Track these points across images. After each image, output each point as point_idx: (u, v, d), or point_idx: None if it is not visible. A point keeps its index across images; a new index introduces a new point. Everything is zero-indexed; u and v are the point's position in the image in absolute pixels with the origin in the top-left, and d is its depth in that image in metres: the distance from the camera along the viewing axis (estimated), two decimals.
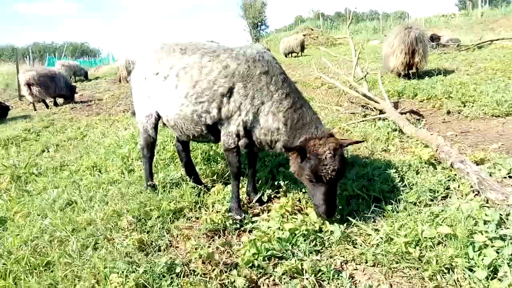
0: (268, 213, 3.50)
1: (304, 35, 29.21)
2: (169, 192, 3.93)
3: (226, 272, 2.61)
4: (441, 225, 2.78)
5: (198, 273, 2.60)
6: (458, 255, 2.47)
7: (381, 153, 4.76)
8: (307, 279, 2.48)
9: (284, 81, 3.29)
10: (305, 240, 2.88)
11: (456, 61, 12.37)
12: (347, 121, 6.49)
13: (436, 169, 3.98)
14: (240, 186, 3.68)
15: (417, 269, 2.50)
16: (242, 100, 3.24)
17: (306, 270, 2.54)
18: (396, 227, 2.86)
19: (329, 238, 2.93)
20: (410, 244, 2.64)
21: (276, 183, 4.00)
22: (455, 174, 3.73)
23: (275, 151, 3.45)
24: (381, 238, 2.81)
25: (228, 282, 2.53)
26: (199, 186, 4.03)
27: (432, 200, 3.37)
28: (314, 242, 2.89)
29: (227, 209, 3.50)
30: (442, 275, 2.40)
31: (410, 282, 2.45)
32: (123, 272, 2.57)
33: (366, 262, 2.67)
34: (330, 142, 2.98)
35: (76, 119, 10.53)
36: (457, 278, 2.37)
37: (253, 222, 3.33)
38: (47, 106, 13.32)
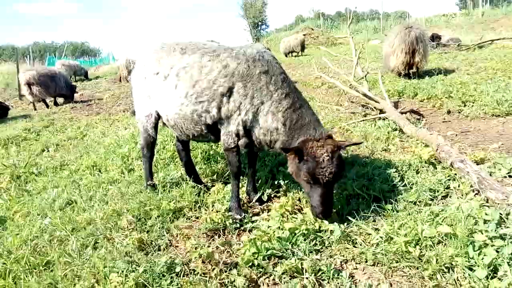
0: (268, 212, 3.50)
1: (304, 34, 29.21)
2: (169, 191, 3.93)
3: (226, 271, 2.61)
4: (441, 224, 2.78)
5: (198, 273, 2.60)
6: (458, 254, 2.47)
7: (381, 153, 4.76)
8: (307, 278, 2.48)
9: (284, 81, 3.28)
10: (305, 240, 2.88)
11: (456, 61, 12.36)
12: (347, 121, 6.48)
13: (436, 168, 3.98)
14: (240, 185, 3.68)
15: (417, 268, 2.50)
16: (242, 99, 3.24)
17: (306, 270, 2.54)
18: (396, 226, 2.85)
19: (329, 237, 2.93)
20: (410, 244, 2.63)
21: (276, 182, 4.00)
22: (455, 174, 3.72)
23: (274, 151, 3.45)
24: (381, 237, 2.81)
25: (228, 282, 2.53)
26: (199, 186, 4.03)
27: (432, 200, 3.37)
28: (314, 241, 2.89)
29: (227, 208, 3.50)
30: (442, 275, 2.40)
31: (410, 281, 2.44)
32: (123, 271, 2.56)
33: (366, 262, 2.67)
34: (328, 144, 2.97)
35: (76, 118, 10.53)
36: (457, 277, 2.36)
37: (253, 222, 3.33)
38: (47, 106, 13.32)
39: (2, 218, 3.88)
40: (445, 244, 2.63)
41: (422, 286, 2.39)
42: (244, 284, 2.46)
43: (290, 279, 2.53)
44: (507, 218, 2.78)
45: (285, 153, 3.19)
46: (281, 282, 2.53)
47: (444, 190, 3.50)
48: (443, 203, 3.32)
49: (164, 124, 3.95)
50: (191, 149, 4.69)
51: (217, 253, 2.86)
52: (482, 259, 2.37)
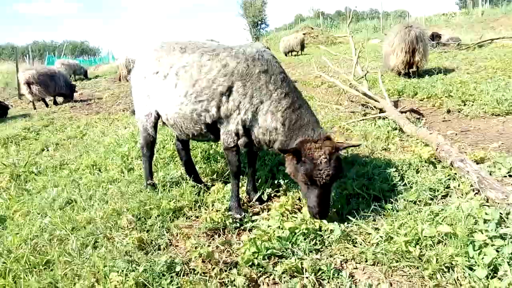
0: (268, 212, 3.50)
1: (304, 34, 29.17)
2: (169, 191, 3.93)
3: (226, 271, 2.61)
4: (441, 224, 2.78)
5: (198, 272, 2.60)
6: (458, 254, 2.47)
7: (381, 152, 4.76)
8: (307, 278, 2.48)
9: (284, 81, 3.28)
10: (305, 239, 2.88)
11: (456, 60, 12.36)
12: (347, 120, 6.48)
13: (436, 168, 3.98)
14: (240, 185, 3.68)
15: (417, 268, 2.50)
16: (241, 99, 3.24)
17: (306, 269, 2.54)
18: (396, 226, 2.85)
19: (329, 237, 2.93)
20: (410, 243, 2.63)
21: (276, 182, 4.00)
22: (455, 173, 3.72)
23: (274, 151, 3.45)
24: (381, 237, 2.81)
25: (228, 281, 2.53)
26: (199, 185, 4.03)
27: (432, 199, 3.37)
28: (314, 241, 2.89)
29: (227, 208, 3.50)
30: (442, 274, 2.40)
31: (410, 281, 2.44)
32: (123, 271, 2.56)
33: (366, 261, 2.66)
34: (326, 146, 2.97)
35: (76, 118, 10.52)
36: (457, 277, 2.36)
37: (253, 221, 3.33)
38: (47, 105, 13.31)
39: (2, 217, 3.87)
40: (445, 243, 2.63)
41: (422, 285, 2.39)
42: (244, 283, 2.46)
43: (290, 278, 2.53)
44: (507, 218, 2.78)
45: (283, 154, 3.19)
46: (281, 281, 2.53)
47: (444, 190, 3.50)
48: (443, 202, 3.32)
49: (164, 123, 3.95)
50: (191, 148, 4.69)
51: (217, 252, 2.86)
52: (482, 258, 2.37)
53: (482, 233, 2.54)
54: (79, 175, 4.94)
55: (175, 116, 3.60)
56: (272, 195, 3.88)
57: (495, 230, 2.57)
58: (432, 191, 3.45)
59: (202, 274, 2.59)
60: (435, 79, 9.04)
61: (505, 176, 3.70)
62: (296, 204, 3.50)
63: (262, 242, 2.77)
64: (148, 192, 3.86)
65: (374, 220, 3.11)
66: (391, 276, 2.52)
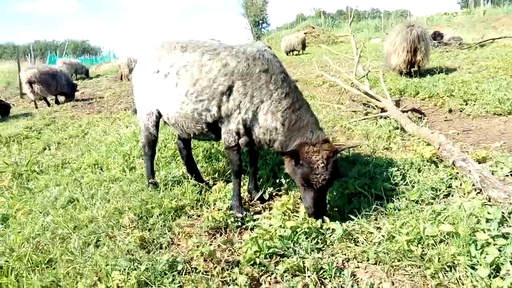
0: (269, 211, 3.49)
1: (305, 33, 29.15)
2: (170, 189, 3.93)
3: (227, 269, 2.61)
4: (443, 223, 2.77)
5: (200, 271, 2.60)
6: (460, 253, 2.46)
7: (383, 151, 4.75)
8: (308, 277, 2.48)
9: (284, 80, 3.27)
10: (306, 238, 2.88)
11: (458, 60, 12.34)
12: (348, 119, 6.48)
13: (438, 167, 3.97)
14: (242, 184, 3.68)
15: (419, 267, 2.49)
16: (242, 98, 3.24)
17: (307, 268, 2.54)
18: (398, 225, 2.85)
19: (330, 236, 2.93)
20: (412, 242, 2.63)
21: (277, 181, 4.00)
22: (457, 173, 3.72)
23: (275, 150, 3.45)
24: (383, 236, 2.80)
25: (229, 280, 2.53)
26: (201, 184, 4.03)
27: (434, 198, 3.36)
28: (315, 240, 2.89)
29: (228, 207, 3.50)
30: (444, 273, 2.40)
31: (412, 280, 2.44)
32: (124, 269, 2.57)
33: (368, 260, 2.66)
34: (324, 150, 2.98)
35: (78, 117, 10.54)
36: (459, 276, 2.36)
37: (254, 220, 3.33)
38: (49, 104, 13.34)
39: (5, 216, 3.88)
40: (447, 243, 2.63)
41: (424, 285, 2.39)
42: (246, 282, 2.46)
43: (292, 277, 2.53)
44: (509, 217, 2.77)
45: (282, 156, 3.21)
46: (282, 280, 2.53)
47: (446, 189, 3.49)
48: (445, 202, 3.32)
49: (165, 122, 3.95)
50: (193, 147, 4.69)
51: (219, 251, 2.86)
52: (485, 258, 2.36)
53: (484, 233, 2.54)
54: (81, 174, 4.95)
55: (176, 115, 3.60)
56: (274, 194, 3.88)
57: (497, 229, 2.56)
58: (434, 191, 3.45)
59: (204, 273, 2.59)
60: (437, 79, 9.02)
61: (507, 176, 3.69)
62: (298, 203, 3.50)
63: (264, 241, 2.78)
64: (150, 191, 3.87)
65: (376, 219, 3.12)
66: (393, 275, 2.52)
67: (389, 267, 2.55)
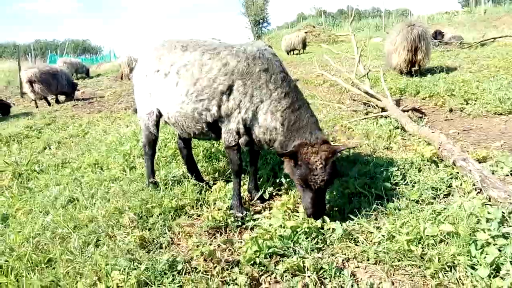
0: (269, 210, 3.49)
1: (306, 32, 29.09)
2: (170, 189, 3.93)
3: (227, 269, 2.61)
4: (443, 223, 2.77)
5: (200, 271, 2.60)
6: (460, 253, 2.46)
7: (383, 151, 4.75)
8: (308, 276, 2.48)
9: (284, 80, 3.27)
10: (306, 238, 2.88)
11: (458, 59, 12.32)
12: (349, 119, 6.47)
13: (438, 167, 3.97)
14: (242, 183, 3.68)
15: (419, 267, 2.49)
16: (242, 97, 3.23)
17: (307, 268, 2.54)
18: (398, 225, 2.85)
19: (330, 235, 2.93)
20: (412, 242, 2.63)
21: (277, 180, 4.00)
22: (458, 172, 3.71)
23: (275, 150, 3.44)
24: (383, 236, 2.80)
25: (229, 280, 2.53)
26: (201, 184, 4.03)
27: (434, 198, 3.36)
28: (315, 239, 2.89)
29: (228, 206, 3.50)
30: (444, 273, 2.39)
31: (412, 280, 2.44)
32: (124, 269, 2.57)
33: (368, 260, 2.66)
34: (322, 151, 2.97)
35: (78, 116, 10.54)
36: (459, 276, 2.36)
37: (254, 220, 3.33)
38: (49, 104, 13.35)
39: (5, 216, 3.89)
40: (447, 242, 2.62)
41: (424, 284, 2.39)
42: (246, 282, 2.46)
43: (292, 277, 2.53)
44: (509, 217, 2.77)
45: (280, 157, 3.21)
46: (282, 280, 2.53)
47: (446, 189, 3.49)
48: (445, 201, 3.32)
49: (165, 122, 3.95)
50: (193, 147, 4.69)
51: (219, 251, 2.86)
52: (485, 258, 2.36)
53: (485, 232, 2.53)
54: (81, 173, 4.95)
55: (176, 114, 3.60)
56: (274, 193, 3.88)
57: (498, 229, 2.56)
58: (434, 190, 3.45)
59: (204, 273, 2.59)
60: (437, 78, 9.01)
61: (507, 175, 3.68)
62: (298, 203, 3.49)
63: (264, 241, 2.78)
64: (150, 191, 3.87)
65: (376, 219, 3.11)
66: (393, 275, 2.51)
67: (389, 267, 2.55)
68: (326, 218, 3.02)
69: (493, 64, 10.22)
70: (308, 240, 2.85)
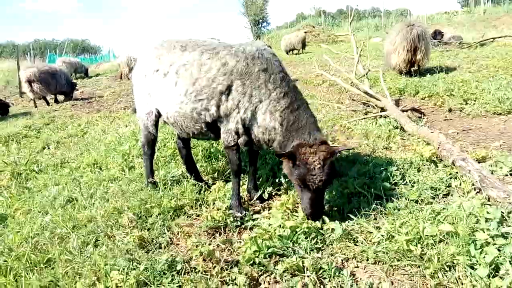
0: (269, 210, 3.49)
1: (305, 32, 29.09)
2: (170, 189, 3.93)
3: (227, 269, 2.61)
4: (442, 222, 2.77)
5: (199, 271, 2.60)
6: (460, 253, 2.46)
7: (383, 151, 4.75)
8: (308, 276, 2.47)
9: (283, 80, 3.26)
10: (306, 238, 2.87)
11: (458, 59, 12.33)
12: (348, 119, 6.47)
13: (438, 166, 3.97)
14: (241, 183, 3.68)
15: (419, 266, 2.49)
16: (240, 97, 3.23)
17: (307, 268, 2.54)
18: (397, 224, 2.85)
19: (330, 235, 2.93)
20: (412, 242, 2.63)
21: (277, 180, 4.00)
22: (457, 172, 3.71)
23: (273, 150, 3.44)
24: (382, 235, 2.80)
25: (229, 280, 2.53)
26: (200, 184, 4.02)
27: (433, 198, 3.36)
28: (315, 239, 2.89)
29: (227, 206, 3.49)
30: (444, 273, 2.39)
31: (411, 280, 2.44)
32: (123, 269, 2.57)
33: (367, 260, 2.66)
34: (321, 151, 2.96)
35: (77, 116, 10.53)
36: (459, 276, 2.36)
37: (254, 220, 3.33)
38: (48, 103, 13.33)
39: (3, 216, 3.88)
40: (446, 242, 2.62)
41: (423, 284, 2.39)
42: (245, 282, 2.45)
43: (291, 277, 2.53)
44: (508, 217, 2.77)
45: (278, 158, 3.20)
46: (282, 280, 2.53)
47: (445, 189, 3.49)
48: (444, 201, 3.31)
49: (164, 121, 3.94)
50: (192, 146, 4.69)
51: (218, 251, 2.86)
52: (484, 257, 2.36)
53: (484, 232, 2.53)
54: (80, 173, 4.94)
55: (175, 114, 3.59)
56: (273, 193, 3.88)
57: (497, 229, 2.56)
58: (434, 190, 3.45)
59: (203, 273, 2.59)
60: (437, 78, 9.01)
61: (507, 175, 3.68)
62: (297, 203, 3.48)
63: (263, 241, 2.77)
64: (149, 191, 3.86)
65: (376, 219, 3.11)
66: (393, 275, 2.51)
67: (389, 266, 2.55)
68: (325, 218, 3.01)
69: (492, 64, 10.23)
70: (308, 240, 2.85)
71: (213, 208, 3.50)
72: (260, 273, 2.60)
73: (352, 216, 3.10)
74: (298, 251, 2.74)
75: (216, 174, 4.46)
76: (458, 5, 52.67)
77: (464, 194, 3.35)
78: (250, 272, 2.55)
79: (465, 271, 2.36)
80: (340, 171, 3.99)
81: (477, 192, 3.31)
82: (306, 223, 2.96)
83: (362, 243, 2.82)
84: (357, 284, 2.45)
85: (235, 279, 2.49)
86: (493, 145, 4.63)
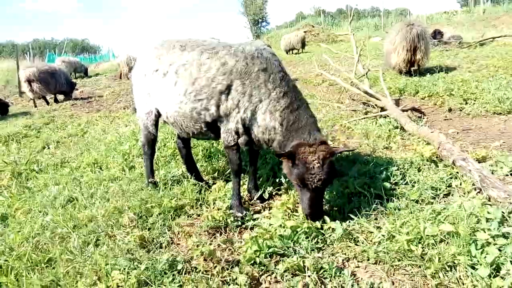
0: (269, 210, 3.49)
1: (305, 31, 29.09)
2: (170, 189, 3.93)
3: (227, 269, 2.61)
4: (443, 222, 2.77)
5: (200, 270, 2.60)
6: (461, 253, 2.46)
7: (383, 151, 4.75)
8: (309, 276, 2.48)
9: (283, 79, 3.26)
10: (306, 238, 2.87)
11: (458, 58, 12.33)
12: (348, 119, 6.47)
13: (438, 166, 3.97)
14: (241, 183, 3.68)
15: (419, 266, 2.49)
16: (240, 97, 3.23)
17: (308, 268, 2.54)
18: (398, 224, 2.85)
19: (330, 235, 2.93)
20: (412, 242, 2.63)
21: (277, 180, 4.00)
22: (457, 172, 3.72)
23: (273, 150, 3.44)
24: (383, 235, 2.80)
25: (229, 279, 2.53)
26: (200, 183, 4.02)
27: (434, 198, 3.36)
28: (315, 239, 2.89)
29: (228, 206, 3.50)
30: (445, 273, 2.40)
31: (412, 280, 2.44)
32: (124, 269, 2.57)
33: (368, 260, 2.66)
34: (320, 151, 2.96)
35: (77, 115, 10.52)
36: (460, 276, 2.36)
37: (254, 219, 3.33)
38: (48, 103, 13.31)
39: (4, 215, 3.88)
40: (447, 242, 2.62)
41: (424, 284, 2.39)
42: (246, 282, 2.46)
43: (292, 277, 2.53)
44: (509, 217, 2.77)
45: (278, 158, 3.20)
46: (283, 280, 2.53)
47: (446, 188, 3.49)
48: (445, 201, 3.32)
49: (164, 121, 3.94)
50: (192, 146, 4.69)
51: (219, 250, 2.86)
52: (485, 257, 2.36)
53: (485, 232, 2.54)
54: (80, 173, 4.94)
55: (175, 114, 3.59)
56: (274, 193, 3.88)
57: (498, 229, 2.57)
58: (434, 190, 3.45)
59: (204, 273, 2.59)
60: (437, 78, 9.01)
61: (507, 175, 3.69)
62: (298, 203, 3.48)
63: (264, 241, 2.77)
64: (150, 190, 3.86)
65: (376, 219, 3.11)
66: (393, 274, 2.51)
67: (389, 266, 2.55)
68: (326, 217, 3.01)
69: (492, 63, 10.23)
70: (308, 240, 2.85)
71: (213, 208, 3.50)
72: (261, 273, 2.60)
73: (352, 216, 3.10)
74: (299, 251, 2.75)
75: (216, 174, 4.46)
76: (458, 4, 52.74)
77: (464, 194, 3.35)
78: (251, 271, 2.55)
79: (466, 271, 2.37)
80: (341, 171, 3.99)
81: (478, 192, 3.31)
82: (307, 223, 2.96)
83: (362, 243, 2.82)
84: (358, 284, 2.45)
85: (236, 278, 2.49)
86: (493, 145, 4.64)
